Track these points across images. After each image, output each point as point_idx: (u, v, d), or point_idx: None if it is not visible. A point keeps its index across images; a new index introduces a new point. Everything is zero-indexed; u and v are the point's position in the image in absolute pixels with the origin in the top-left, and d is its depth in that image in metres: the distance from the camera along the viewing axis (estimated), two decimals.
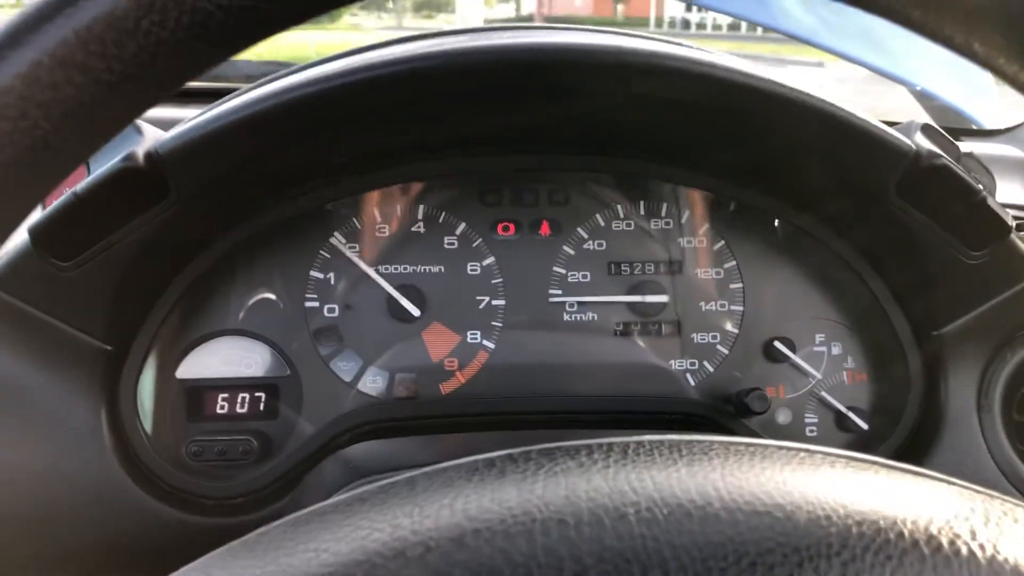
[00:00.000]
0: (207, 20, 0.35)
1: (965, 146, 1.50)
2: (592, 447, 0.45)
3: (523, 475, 0.43)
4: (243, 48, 0.38)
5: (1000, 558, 0.39)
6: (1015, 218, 1.21)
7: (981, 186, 0.91)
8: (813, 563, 0.38)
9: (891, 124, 0.99)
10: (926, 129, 0.95)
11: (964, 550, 0.39)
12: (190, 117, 0.88)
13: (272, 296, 1.07)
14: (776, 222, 1.11)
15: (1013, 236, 0.95)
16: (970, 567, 0.38)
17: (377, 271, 1.08)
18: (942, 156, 0.89)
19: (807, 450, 0.47)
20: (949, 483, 0.46)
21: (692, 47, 0.92)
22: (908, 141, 0.90)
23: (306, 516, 0.43)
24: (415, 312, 1.07)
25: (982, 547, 0.39)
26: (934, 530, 0.40)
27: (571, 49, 0.85)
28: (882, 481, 0.44)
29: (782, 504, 0.40)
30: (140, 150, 0.82)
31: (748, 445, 0.46)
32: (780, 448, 0.46)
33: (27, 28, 0.34)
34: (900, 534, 0.39)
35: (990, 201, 0.92)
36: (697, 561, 0.37)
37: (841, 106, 0.88)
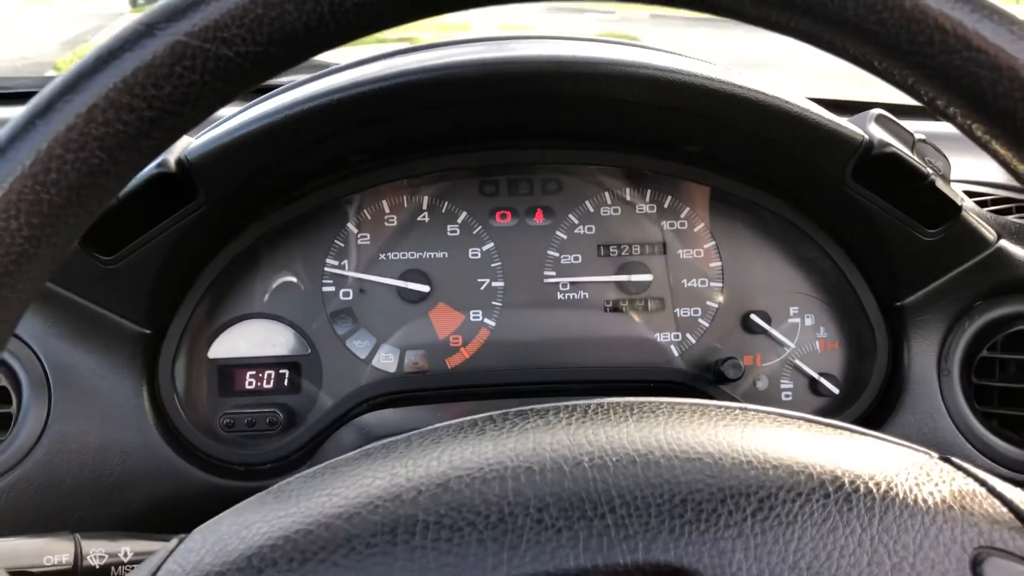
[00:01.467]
0: (228, 65, 0.41)
1: (942, 126, 1.54)
2: (559, 408, 0.51)
3: (499, 432, 0.49)
4: (260, 83, 0.45)
5: (892, 494, 0.45)
6: (988, 196, 1.27)
7: (931, 170, 0.97)
8: (735, 499, 0.44)
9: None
10: (880, 119, 1.00)
11: (862, 488, 0.45)
12: (217, 119, 0.94)
13: (293, 279, 1.13)
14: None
15: (965, 214, 1.00)
16: (866, 502, 0.45)
17: (386, 257, 1.13)
18: (891, 144, 0.95)
19: (742, 408, 0.53)
20: (862, 434, 0.52)
21: (663, 51, 0.98)
22: (860, 131, 0.96)
23: (320, 469, 0.49)
24: (424, 289, 1.13)
25: (877, 485, 0.46)
26: (839, 472, 0.46)
27: (562, 61, 0.92)
28: (802, 434, 0.51)
29: (712, 452, 0.46)
30: (171, 157, 0.89)
31: (691, 405, 0.52)
32: (719, 407, 0.52)
33: (84, 76, 0.41)
34: (809, 476, 0.46)
35: (939, 184, 0.97)
36: (639, 499, 0.44)
37: (795, 102, 0.94)
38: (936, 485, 0.47)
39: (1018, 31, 0.42)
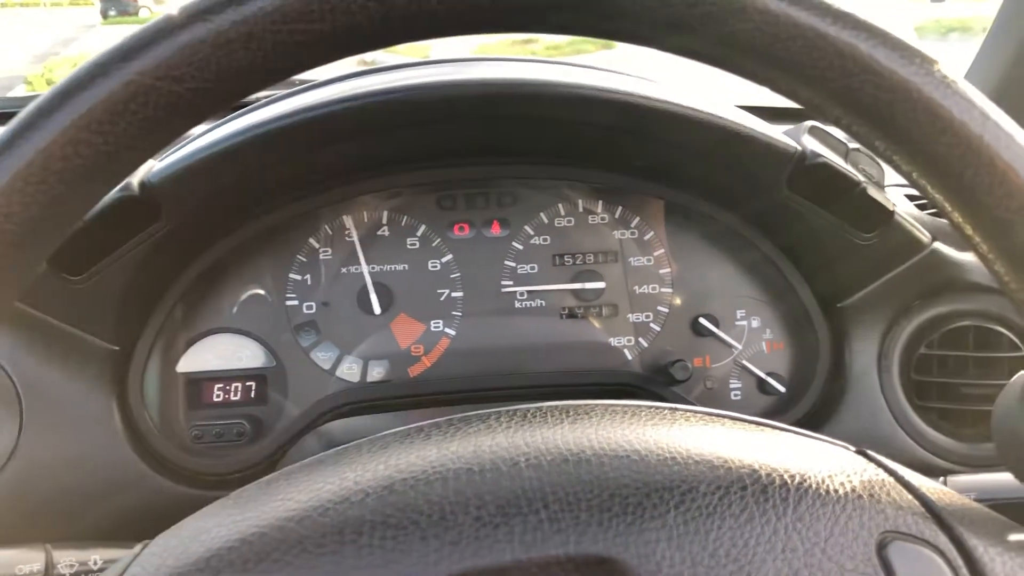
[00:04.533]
0: (179, 100, 0.44)
1: None
2: (500, 413, 0.54)
3: (443, 437, 0.52)
4: (210, 116, 0.47)
5: (805, 485, 0.48)
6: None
7: (863, 178, 1.00)
8: (659, 493, 0.47)
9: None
10: (813, 130, 1.04)
11: (777, 480, 0.48)
12: (178, 140, 0.96)
13: (260, 290, 1.14)
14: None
15: (898, 218, 1.04)
16: (781, 493, 0.48)
17: (348, 271, 1.16)
18: (823, 155, 0.99)
19: (671, 408, 0.56)
20: (783, 430, 0.55)
21: (603, 70, 1.02)
22: (793, 143, 0.99)
23: (275, 476, 0.52)
24: (378, 308, 1.16)
25: (792, 477, 0.49)
26: (756, 466, 0.49)
27: (503, 83, 0.96)
28: (725, 431, 0.53)
29: (639, 449, 0.49)
30: (134, 180, 0.91)
31: (623, 407, 0.55)
32: (649, 407, 0.55)
33: (43, 114, 0.43)
34: (729, 470, 0.48)
35: (871, 191, 1.01)
36: (570, 495, 0.46)
37: (729, 117, 0.97)
38: (848, 476, 0.50)
39: (908, 55, 0.45)
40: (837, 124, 0.48)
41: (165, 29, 0.43)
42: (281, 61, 0.44)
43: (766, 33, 0.44)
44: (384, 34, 0.45)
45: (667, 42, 0.47)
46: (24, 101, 1.48)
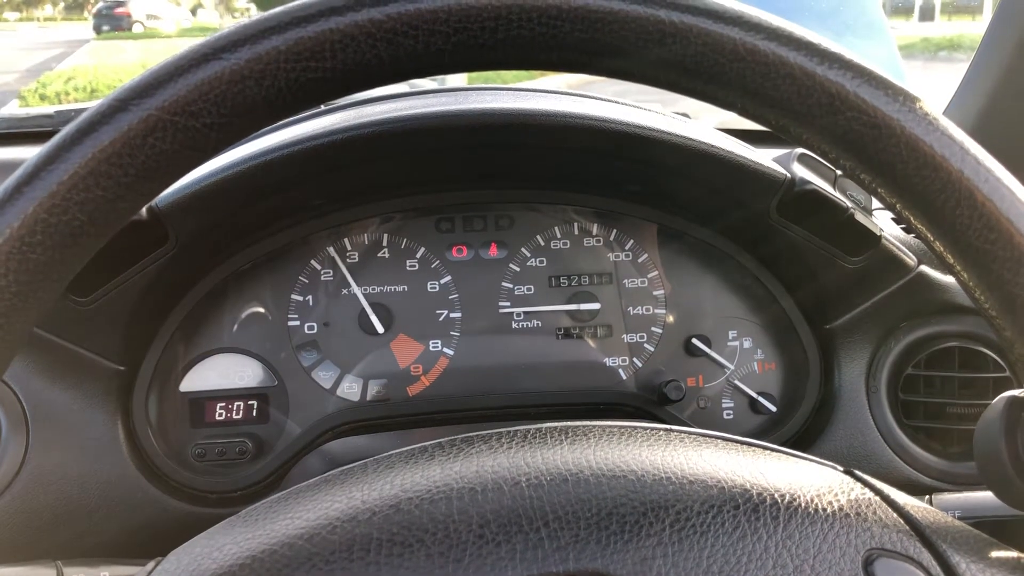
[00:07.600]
0: (196, 135, 0.45)
1: None
2: (502, 434, 0.56)
3: (447, 457, 0.53)
4: (225, 149, 0.49)
5: (795, 504, 0.50)
6: None
7: (851, 204, 1.02)
8: (655, 512, 0.48)
9: None
10: (802, 157, 1.06)
11: (768, 500, 0.50)
12: None
13: (262, 310, 1.16)
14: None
15: (885, 243, 1.06)
16: (772, 512, 0.49)
17: (349, 292, 1.17)
18: (811, 182, 1.01)
19: (666, 429, 0.57)
20: (773, 451, 0.57)
21: (606, 100, 1.04)
22: (782, 170, 1.01)
23: (284, 495, 0.53)
24: (380, 329, 1.17)
25: (782, 496, 0.50)
26: (748, 486, 0.50)
27: (513, 113, 0.98)
28: (718, 452, 0.55)
29: (635, 470, 0.51)
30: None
31: (620, 428, 0.57)
32: (645, 429, 0.57)
33: (65, 147, 0.44)
34: (722, 490, 0.50)
35: (859, 216, 1.03)
36: (570, 513, 0.48)
37: (721, 145, 0.99)
38: (836, 495, 0.51)
39: (892, 93, 0.47)
40: (824, 157, 0.49)
41: (182, 67, 0.44)
42: (293, 97, 0.46)
43: (756, 73, 0.46)
44: (393, 72, 0.47)
45: (660, 80, 0.48)
46: (24, 122, 1.49)
